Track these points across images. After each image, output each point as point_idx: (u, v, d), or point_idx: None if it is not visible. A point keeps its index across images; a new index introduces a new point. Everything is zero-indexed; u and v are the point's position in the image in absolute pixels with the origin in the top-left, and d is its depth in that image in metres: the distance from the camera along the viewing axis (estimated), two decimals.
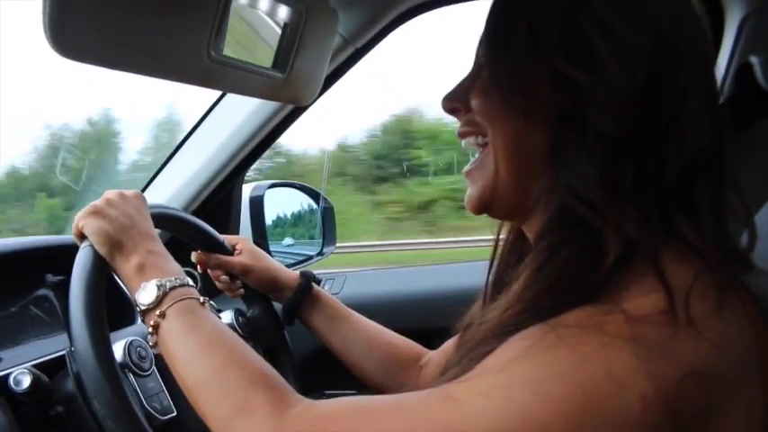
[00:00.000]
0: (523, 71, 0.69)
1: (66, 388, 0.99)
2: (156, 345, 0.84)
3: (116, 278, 1.32)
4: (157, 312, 0.83)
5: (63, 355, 0.95)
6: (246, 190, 1.73)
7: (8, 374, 0.97)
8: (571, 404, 0.56)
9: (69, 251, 0.94)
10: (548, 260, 0.65)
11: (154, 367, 1.06)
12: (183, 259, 0.93)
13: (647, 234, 0.62)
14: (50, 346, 1.15)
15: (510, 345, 0.62)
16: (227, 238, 1.23)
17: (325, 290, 1.26)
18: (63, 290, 1.23)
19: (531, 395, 0.57)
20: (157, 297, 0.84)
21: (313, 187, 1.93)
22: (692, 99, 0.65)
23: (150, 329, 0.84)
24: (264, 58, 1.07)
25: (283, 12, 1.04)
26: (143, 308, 0.85)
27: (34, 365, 1.02)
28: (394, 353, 1.18)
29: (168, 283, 0.85)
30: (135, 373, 1.01)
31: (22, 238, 1.37)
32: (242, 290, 1.25)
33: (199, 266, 1.22)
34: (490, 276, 0.88)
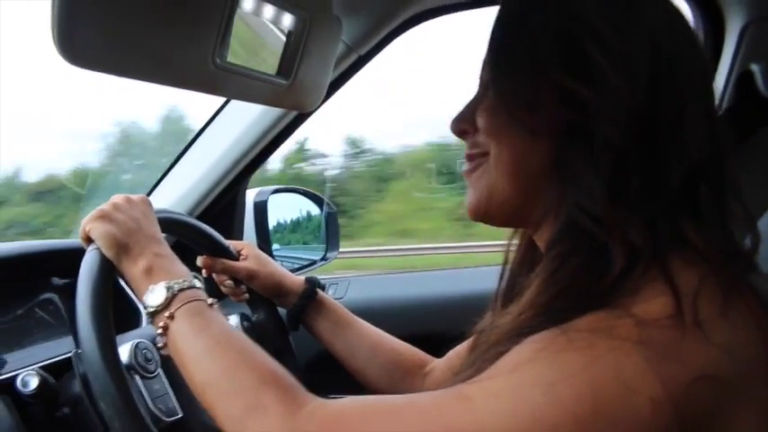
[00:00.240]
0: (528, 88, 0.70)
1: (72, 389, 1.00)
2: (165, 346, 0.84)
3: (121, 282, 1.33)
4: (166, 314, 0.84)
5: (69, 357, 0.96)
6: (250, 195, 1.74)
7: (15, 376, 0.99)
8: (581, 406, 0.56)
9: (76, 255, 0.95)
10: (558, 268, 0.66)
11: (160, 369, 1.07)
12: (187, 264, 0.94)
13: (653, 241, 0.63)
14: (56, 349, 1.16)
15: (522, 347, 0.62)
16: (232, 244, 1.24)
17: (328, 294, 1.26)
18: (69, 293, 1.24)
19: (542, 396, 0.57)
20: (166, 299, 0.85)
21: (317, 193, 1.94)
22: (691, 107, 0.67)
23: (159, 331, 0.84)
24: (269, 65, 1.08)
25: (287, 20, 1.04)
26: (152, 310, 0.85)
27: (41, 367, 1.03)
28: (398, 359, 1.18)
29: (176, 285, 0.86)
30: (141, 375, 1.02)
31: (28, 241, 1.39)
32: (247, 295, 1.25)
33: (204, 271, 1.22)
34: (501, 284, 0.89)
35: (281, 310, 1.26)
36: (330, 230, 1.94)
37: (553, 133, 0.69)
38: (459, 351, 1.09)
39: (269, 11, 1.00)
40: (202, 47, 0.91)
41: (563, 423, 0.56)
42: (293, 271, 1.61)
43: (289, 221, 1.97)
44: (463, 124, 0.80)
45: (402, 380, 1.16)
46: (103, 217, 0.95)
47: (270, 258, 1.26)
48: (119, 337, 0.91)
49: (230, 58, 0.97)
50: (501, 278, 0.90)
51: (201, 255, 1.22)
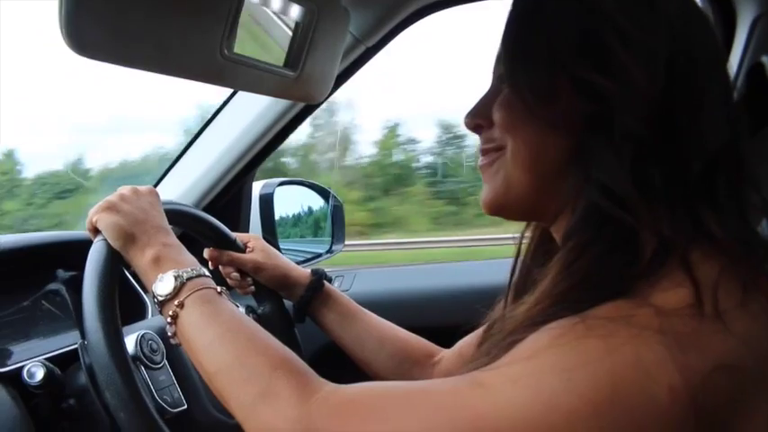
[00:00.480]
0: (545, 81, 0.70)
1: (78, 381, 1.00)
2: (174, 335, 0.84)
3: (127, 274, 1.34)
4: (176, 303, 0.84)
5: (75, 349, 0.96)
6: (257, 187, 1.74)
7: (21, 367, 0.99)
8: (599, 393, 0.56)
9: (82, 246, 0.95)
10: (578, 258, 0.65)
11: (165, 360, 1.07)
12: (194, 256, 0.94)
13: (676, 230, 0.63)
14: (62, 341, 1.16)
15: (540, 334, 0.62)
16: (239, 236, 1.24)
17: (335, 287, 1.26)
18: (75, 285, 1.25)
19: (560, 383, 0.57)
20: (175, 288, 0.84)
21: (323, 185, 1.94)
22: (708, 97, 0.67)
23: (169, 320, 0.84)
24: (276, 56, 1.08)
25: (295, 11, 1.04)
26: (161, 299, 0.85)
27: (47, 359, 1.03)
28: (406, 350, 1.18)
29: (185, 274, 0.86)
30: (146, 366, 1.03)
31: (34, 233, 1.38)
32: (253, 287, 1.25)
33: (210, 263, 1.22)
34: (514, 276, 0.89)
35: (288, 303, 1.25)
36: (336, 223, 1.94)
37: (571, 126, 0.69)
38: (468, 341, 1.09)
39: (276, 2, 1.00)
40: (210, 38, 0.91)
41: (580, 410, 0.56)
42: (299, 263, 1.62)
43: (295, 214, 1.96)
44: (478, 119, 0.80)
45: (410, 370, 1.15)
46: (110, 208, 0.95)
47: (276, 251, 1.26)
48: (125, 329, 0.91)
49: (238, 50, 0.97)
50: (513, 270, 0.89)
51: (208, 247, 1.22)
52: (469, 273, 1.87)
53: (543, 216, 0.78)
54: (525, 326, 0.65)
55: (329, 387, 0.70)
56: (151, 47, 0.84)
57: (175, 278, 0.85)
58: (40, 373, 0.98)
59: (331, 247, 1.91)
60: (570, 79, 0.68)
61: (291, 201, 1.91)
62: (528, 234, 0.89)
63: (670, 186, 0.64)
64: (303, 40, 1.08)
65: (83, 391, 0.98)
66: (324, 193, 1.95)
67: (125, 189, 0.99)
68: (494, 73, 0.80)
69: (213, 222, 1.19)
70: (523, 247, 0.90)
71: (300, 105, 1.49)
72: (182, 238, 0.99)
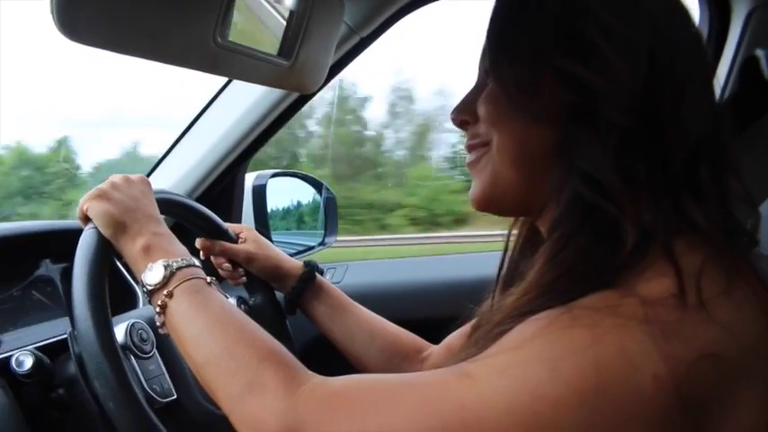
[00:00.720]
0: (529, 75, 0.71)
1: (67, 370, 1.00)
2: (163, 325, 0.84)
3: (117, 264, 1.33)
4: (165, 292, 0.83)
5: (65, 339, 0.95)
6: (249, 179, 1.73)
7: (10, 356, 0.98)
8: (585, 382, 0.56)
9: (73, 235, 0.95)
10: (564, 248, 0.66)
11: (155, 350, 1.06)
12: (186, 246, 0.93)
13: (660, 220, 0.63)
14: (52, 330, 1.15)
15: (526, 325, 0.63)
16: (231, 227, 1.23)
17: (326, 279, 1.26)
18: (66, 274, 1.24)
19: (546, 372, 0.57)
20: (164, 277, 0.84)
21: (316, 178, 1.93)
22: (690, 89, 0.68)
23: (158, 309, 0.84)
24: (270, 45, 1.07)
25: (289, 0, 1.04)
26: (150, 288, 0.85)
27: (36, 348, 1.03)
28: (396, 344, 1.18)
29: (175, 264, 0.85)
30: (136, 356, 1.02)
31: (25, 222, 1.38)
32: (244, 278, 1.25)
33: (202, 253, 1.21)
34: (503, 269, 0.89)
35: (279, 296, 1.25)
36: (329, 215, 1.94)
37: (555, 118, 0.70)
38: (457, 335, 1.09)
39: None
40: (203, 25, 0.90)
41: (566, 399, 0.56)
42: (291, 255, 1.61)
43: (288, 205, 1.96)
44: (464, 114, 0.80)
45: (400, 365, 1.15)
46: (101, 196, 0.94)
47: (268, 242, 1.26)
48: (115, 318, 0.91)
49: (231, 38, 0.96)
50: (502, 263, 0.89)
51: (200, 237, 1.21)
52: (463, 265, 1.87)
53: (531, 209, 0.78)
54: (512, 316, 0.65)
55: (316, 379, 0.70)
56: (144, 33, 0.84)
57: (165, 268, 0.85)
58: (28, 362, 0.97)
59: (324, 240, 1.91)
60: (554, 72, 0.69)
61: (284, 192, 1.91)
62: (515, 230, 0.90)
63: (653, 176, 0.65)
64: (297, 29, 1.08)
65: (72, 380, 0.98)
66: (317, 185, 1.94)
67: (117, 177, 0.99)
68: (479, 68, 0.81)
69: (205, 212, 1.19)
70: (511, 242, 0.90)
71: (294, 95, 1.48)
72: (174, 227, 0.98)
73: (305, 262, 1.24)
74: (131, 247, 0.90)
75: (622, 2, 0.68)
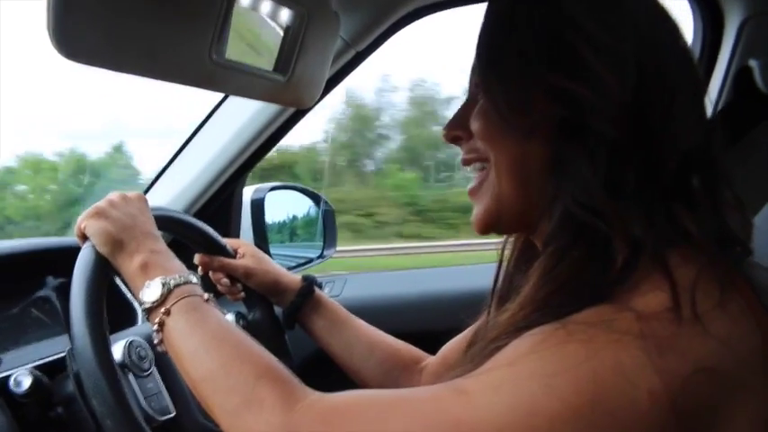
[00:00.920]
0: (519, 90, 0.71)
1: (66, 389, 0.99)
2: (161, 342, 0.84)
3: (117, 281, 1.33)
4: (162, 310, 0.83)
5: (63, 357, 0.95)
6: (248, 192, 1.73)
7: (8, 376, 0.98)
8: (580, 398, 0.56)
9: (72, 253, 0.95)
10: (557, 264, 0.66)
11: (153, 367, 1.06)
12: (184, 262, 0.94)
13: (652, 232, 0.64)
14: (51, 348, 1.15)
15: (521, 340, 0.63)
16: (229, 242, 1.23)
17: (325, 292, 1.26)
18: (65, 292, 1.24)
19: (541, 389, 0.57)
20: (162, 295, 0.84)
21: (314, 190, 1.93)
22: (679, 99, 0.68)
23: (155, 327, 0.84)
24: (266, 60, 1.08)
25: (285, 15, 1.04)
26: (148, 306, 0.85)
27: (35, 367, 1.02)
28: (395, 356, 1.18)
29: (172, 281, 0.86)
30: (134, 373, 1.02)
31: (24, 239, 1.38)
32: (243, 293, 1.25)
33: (201, 268, 1.21)
34: (498, 282, 0.89)
35: (278, 310, 1.25)
36: (327, 228, 1.94)
37: (546, 132, 0.70)
38: (452, 346, 1.10)
39: (266, 6, 1.00)
40: (199, 42, 0.91)
41: (562, 414, 0.57)
42: (290, 269, 1.61)
43: (286, 219, 1.96)
44: (456, 130, 0.81)
45: (399, 378, 1.15)
46: (99, 214, 0.95)
47: (267, 257, 1.26)
48: (113, 336, 0.91)
49: (227, 54, 0.96)
50: (497, 276, 0.89)
51: (198, 253, 1.21)
52: (461, 277, 1.87)
53: (529, 226, 0.78)
54: (508, 332, 0.65)
55: (314, 395, 0.70)
56: (140, 51, 0.84)
57: (162, 285, 0.85)
58: (26, 382, 0.97)
59: (323, 252, 1.91)
60: (543, 88, 0.69)
61: (283, 206, 1.91)
62: (510, 241, 0.90)
63: (644, 188, 0.65)
64: (293, 45, 1.08)
65: (71, 399, 0.98)
66: (315, 197, 1.94)
67: (114, 195, 0.99)
68: (470, 83, 0.81)
69: (203, 228, 1.19)
70: (506, 253, 0.90)
71: (291, 110, 1.49)
72: (173, 244, 0.98)
73: (303, 276, 1.24)
74: (129, 265, 0.90)
75: (609, 15, 0.69)
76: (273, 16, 1.03)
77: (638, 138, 0.66)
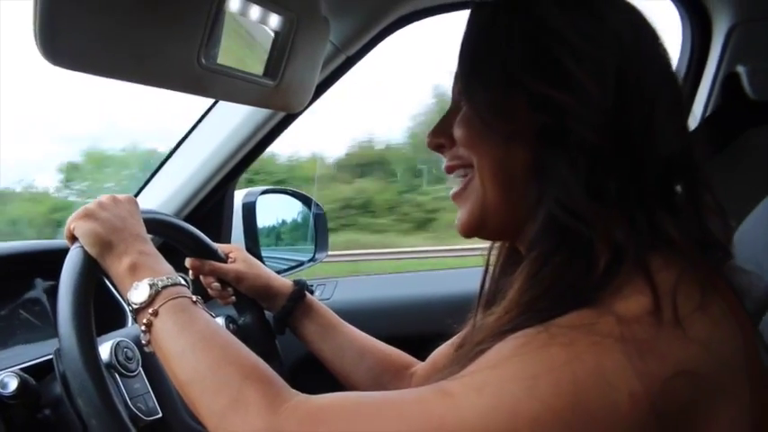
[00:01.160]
0: (501, 97, 0.72)
1: (53, 391, 0.99)
2: (149, 343, 0.84)
3: (107, 282, 1.33)
4: (150, 311, 0.84)
5: (51, 359, 0.95)
6: (239, 196, 1.73)
7: None
8: (561, 400, 0.57)
9: (61, 255, 0.95)
10: (541, 268, 0.67)
11: (140, 368, 1.06)
12: (175, 265, 0.94)
13: (634, 237, 0.64)
14: (40, 350, 1.15)
15: (504, 343, 0.63)
16: (220, 247, 1.23)
17: (315, 296, 1.26)
18: (54, 293, 1.24)
19: (522, 391, 0.58)
20: (150, 296, 0.85)
21: (305, 194, 1.94)
22: (660, 106, 0.69)
23: (143, 328, 0.84)
24: (256, 65, 1.08)
25: (274, 20, 1.05)
26: (135, 306, 0.85)
27: (22, 369, 1.03)
28: (385, 362, 1.18)
29: (160, 282, 0.86)
30: (121, 374, 1.02)
31: (13, 242, 1.38)
32: (233, 297, 1.24)
33: (192, 272, 1.22)
34: (485, 287, 0.90)
35: (268, 315, 1.25)
36: (319, 231, 1.93)
37: (529, 140, 0.71)
38: (441, 352, 1.10)
39: (255, 11, 1.00)
40: (187, 47, 0.91)
41: (543, 417, 0.57)
42: (281, 272, 1.61)
43: (278, 222, 1.96)
44: (439, 138, 0.81)
45: (389, 383, 1.15)
46: (88, 215, 0.95)
47: (258, 261, 1.26)
48: (101, 337, 0.91)
49: (216, 59, 0.97)
50: (483, 281, 0.90)
51: (189, 256, 1.21)
52: (451, 281, 1.87)
53: (513, 231, 0.78)
54: (493, 335, 0.66)
55: (299, 397, 0.71)
56: (127, 56, 0.85)
57: (150, 286, 0.85)
58: (13, 384, 0.97)
59: (314, 256, 1.91)
60: (525, 94, 0.70)
61: (274, 209, 1.91)
62: (497, 246, 0.90)
63: (626, 193, 0.66)
64: (282, 50, 1.09)
65: (58, 400, 0.98)
66: (306, 201, 1.94)
67: (104, 197, 0.99)
68: (453, 91, 0.82)
69: (193, 231, 1.19)
70: (492, 258, 0.91)
71: (281, 114, 1.49)
72: (164, 247, 0.99)
73: (294, 281, 1.24)
74: (117, 266, 0.90)
75: (589, 23, 0.70)
76: (262, 21, 1.03)
77: (619, 144, 0.66)
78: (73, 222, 0.96)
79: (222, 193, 1.64)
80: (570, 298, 0.63)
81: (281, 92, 1.14)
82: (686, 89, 1.47)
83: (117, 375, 1.01)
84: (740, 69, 1.35)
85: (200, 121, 1.57)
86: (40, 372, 1.03)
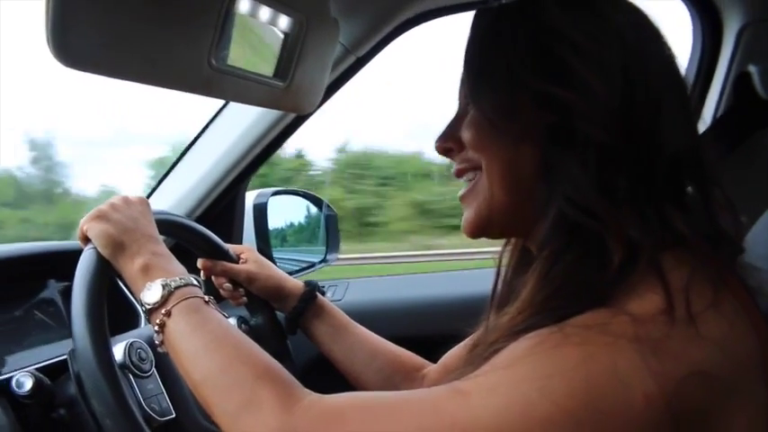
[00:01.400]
0: (507, 99, 0.72)
1: (68, 390, 1.00)
2: (162, 343, 0.85)
3: (120, 283, 1.34)
4: (163, 311, 0.84)
5: (65, 359, 0.96)
6: (250, 197, 1.74)
7: (10, 377, 0.99)
8: (575, 400, 0.57)
9: (75, 255, 0.96)
10: (553, 266, 0.67)
11: (154, 369, 1.07)
12: (187, 266, 0.94)
13: (649, 234, 0.64)
14: (55, 350, 1.16)
15: (518, 344, 0.63)
16: (232, 248, 1.24)
17: (327, 297, 1.26)
18: (68, 294, 1.25)
19: (535, 391, 0.58)
20: (162, 296, 0.85)
21: (316, 195, 1.94)
22: (666, 102, 0.69)
23: (156, 328, 0.85)
24: (266, 66, 1.08)
25: (284, 22, 1.05)
26: (148, 307, 0.86)
27: (37, 369, 1.04)
28: (396, 363, 1.18)
29: (173, 283, 0.86)
30: (135, 374, 1.03)
31: (29, 243, 1.39)
32: (245, 298, 1.25)
33: (204, 273, 1.22)
34: (497, 287, 0.90)
35: (280, 315, 1.25)
36: (330, 232, 1.94)
37: (537, 139, 0.71)
38: (453, 353, 1.10)
39: (265, 13, 1.01)
40: (198, 49, 0.92)
41: (556, 417, 0.57)
42: (292, 273, 1.62)
43: (289, 224, 1.97)
44: (448, 142, 0.82)
45: (399, 385, 1.16)
46: (100, 216, 0.96)
47: (269, 262, 1.26)
48: (115, 338, 0.91)
49: (227, 60, 0.97)
50: (495, 283, 0.90)
51: (201, 257, 1.22)
52: (463, 282, 1.87)
53: (522, 231, 0.79)
54: (507, 335, 0.66)
55: (312, 396, 0.71)
56: (138, 58, 0.85)
57: (163, 287, 0.86)
58: (28, 383, 0.98)
59: (326, 257, 1.91)
60: (531, 95, 0.70)
61: (285, 210, 1.92)
62: (509, 247, 0.90)
63: (635, 190, 0.66)
64: (292, 51, 1.09)
65: (73, 400, 0.98)
66: (317, 202, 1.95)
67: (116, 198, 1.00)
68: (459, 95, 0.83)
69: (204, 232, 1.20)
70: (504, 260, 0.90)
71: (292, 115, 1.49)
72: (176, 248, 0.99)
73: (306, 282, 1.25)
74: (130, 267, 0.91)
75: (591, 21, 0.70)
76: (272, 23, 1.04)
77: (627, 140, 0.67)
78: (86, 224, 0.96)
79: (234, 194, 1.65)
80: (583, 296, 0.63)
81: (291, 93, 1.14)
82: (697, 89, 1.47)
83: (131, 376, 1.02)
84: (752, 69, 1.34)
85: (211, 122, 1.58)
86: (55, 371, 1.04)
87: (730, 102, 1.40)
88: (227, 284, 1.24)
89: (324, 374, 1.19)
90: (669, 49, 0.74)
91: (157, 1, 0.82)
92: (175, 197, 1.60)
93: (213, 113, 1.57)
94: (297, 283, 1.25)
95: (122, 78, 0.86)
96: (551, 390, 0.58)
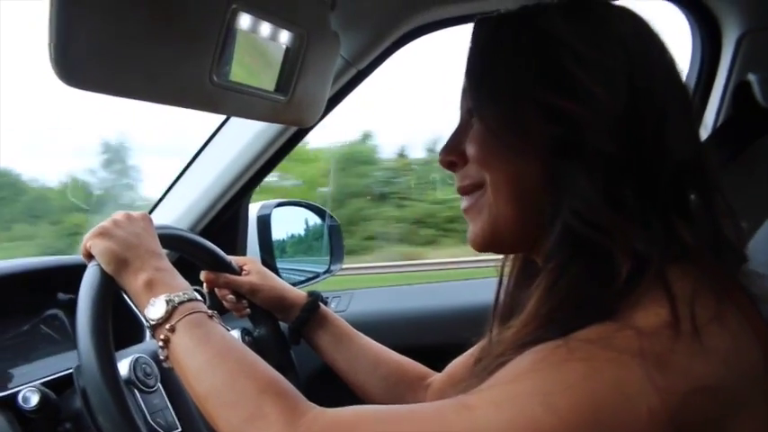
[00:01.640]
0: (511, 112, 0.72)
1: (73, 405, 1.01)
2: (167, 359, 0.85)
3: (125, 298, 1.34)
4: (167, 327, 0.85)
5: (71, 373, 0.97)
6: (253, 209, 1.74)
7: (17, 392, 1.00)
8: (579, 416, 0.57)
9: (80, 271, 0.97)
10: (559, 279, 0.67)
11: (159, 384, 1.07)
12: (190, 279, 0.95)
13: (654, 246, 0.64)
14: (61, 364, 1.17)
15: (523, 357, 0.63)
16: (235, 260, 1.25)
17: (331, 308, 1.26)
18: (73, 309, 1.26)
19: (540, 406, 0.58)
20: (167, 312, 0.86)
21: (320, 206, 1.94)
22: (670, 110, 0.69)
23: (161, 344, 0.85)
24: (267, 81, 1.09)
25: (285, 36, 1.06)
26: (153, 323, 0.86)
27: (43, 383, 1.04)
28: (399, 372, 1.18)
29: (177, 298, 0.87)
30: (140, 390, 1.03)
31: (34, 258, 1.40)
32: (248, 309, 1.25)
33: (207, 285, 1.22)
34: (500, 299, 0.90)
35: (283, 326, 1.26)
36: (334, 243, 1.93)
37: (542, 152, 0.71)
38: (458, 363, 1.10)
39: (266, 28, 1.01)
40: (199, 65, 0.92)
41: None
42: (296, 284, 1.62)
43: (292, 235, 1.97)
44: (451, 156, 0.80)
45: (403, 393, 1.16)
46: (103, 233, 0.96)
47: (272, 273, 1.27)
48: (121, 352, 0.92)
49: (228, 76, 0.98)
50: (497, 294, 0.90)
51: (204, 270, 1.23)
52: (467, 292, 1.87)
53: (528, 244, 0.78)
54: (513, 348, 0.66)
55: (316, 410, 0.71)
56: (140, 76, 0.86)
57: (167, 302, 0.86)
58: (34, 398, 0.98)
59: (329, 267, 1.91)
60: (536, 107, 0.70)
61: (289, 222, 1.92)
62: (511, 257, 0.90)
63: (642, 201, 0.66)
64: (293, 65, 1.10)
65: (78, 414, 0.99)
66: (321, 213, 1.95)
67: (118, 215, 1.01)
68: (461, 108, 0.82)
69: (207, 245, 1.20)
70: (506, 270, 0.90)
71: (294, 128, 1.50)
72: (179, 262, 1.00)
73: (309, 292, 1.25)
74: (134, 283, 0.91)
75: (593, 31, 0.70)
76: (273, 38, 1.04)
77: (633, 149, 0.66)
78: (89, 241, 0.97)
79: (236, 207, 1.65)
80: (589, 309, 0.63)
81: (292, 107, 1.15)
82: (697, 98, 1.46)
83: (136, 391, 1.03)
84: (751, 78, 1.34)
85: (213, 136, 1.59)
86: (61, 385, 1.05)
87: (730, 110, 1.40)
88: (231, 296, 1.24)
89: (328, 384, 1.19)
90: (672, 58, 0.74)
91: (159, 19, 0.83)
92: (179, 211, 1.60)
93: (216, 127, 1.58)
94: (300, 293, 1.25)
95: (125, 97, 0.86)
96: (556, 405, 0.58)
